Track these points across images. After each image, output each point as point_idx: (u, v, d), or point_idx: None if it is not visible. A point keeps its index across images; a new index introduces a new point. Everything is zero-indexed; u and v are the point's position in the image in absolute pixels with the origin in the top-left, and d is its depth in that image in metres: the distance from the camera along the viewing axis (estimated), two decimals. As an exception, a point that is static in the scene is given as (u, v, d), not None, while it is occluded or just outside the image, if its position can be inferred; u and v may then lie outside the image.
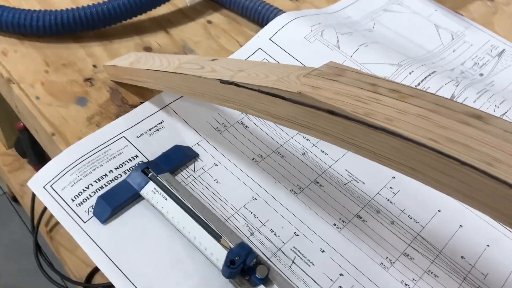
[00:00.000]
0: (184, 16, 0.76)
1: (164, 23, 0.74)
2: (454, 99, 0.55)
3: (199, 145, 0.59)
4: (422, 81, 0.68)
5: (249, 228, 0.52)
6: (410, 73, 0.69)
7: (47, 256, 0.96)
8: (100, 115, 0.60)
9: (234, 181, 0.56)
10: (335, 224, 0.54)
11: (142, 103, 0.61)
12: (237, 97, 0.44)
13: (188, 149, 0.58)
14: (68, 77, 0.63)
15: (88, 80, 0.64)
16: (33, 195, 1.04)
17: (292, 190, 0.56)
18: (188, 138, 0.59)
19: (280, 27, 0.73)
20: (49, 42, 0.67)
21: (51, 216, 1.08)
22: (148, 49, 0.70)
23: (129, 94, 0.63)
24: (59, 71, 0.64)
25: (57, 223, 1.08)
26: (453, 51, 0.80)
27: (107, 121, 0.59)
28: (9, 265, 1.33)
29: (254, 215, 0.53)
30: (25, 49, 0.66)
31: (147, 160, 0.56)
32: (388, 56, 0.71)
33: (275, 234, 0.52)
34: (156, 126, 0.60)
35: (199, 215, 0.50)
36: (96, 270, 0.99)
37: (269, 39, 0.72)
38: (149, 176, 0.52)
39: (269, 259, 0.50)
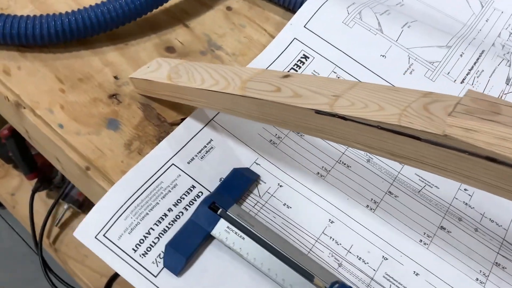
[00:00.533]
0: (200, 3, 0.67)
1: (181, 15, 0.65)
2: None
3: (257, 163, 0.52)
4: (474, 63, 0.63)
5: (335, 258, 0.47)
6: (461, 55, 0.64)
7: (57, 274, 0.88)
8: (138, 139, 0.52)
9: (306, 204, 0.50)
10: (421, 241, 0.50)
11: (182, 119, 0.54)
12: (338, 130, 0.38)
13: (248, 171, 0.51)
14: (89, 95, 0.54)
15: (113, 96, 0.54)
16: (31, 207, 0.94)
17: (368, 205, 0.51)
18: (244, 157, 0.53)
19: (314, 11, 0.65)
20: (56, 52, 0.57)
21: (52, 226, 0.99)
22: (170, 49, 0.61)
23: (164, 109, 0.55)
24: (77, 89, 0.54)
25: (60, 233, 0.99)
26: (486, 21, 0.75)
27: (149, 147, 0.51)
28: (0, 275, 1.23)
29: (336, 242, 0.48)
30: (30, 63, 0.55)
31: (206, 190, 0.49)
32: (433, 36, 0.65)
33: (363, 261, 0.48)
34: (205, 146, 0.52)
35: (284, 253, 0.45)
36: (113, 279, 0.93)
37: (304, 26, 0.64)
38: (218, 213, 0.46)
39: (365, 292, 0.46)
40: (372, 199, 0.52)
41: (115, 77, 0.56)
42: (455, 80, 0.62)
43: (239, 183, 0.50)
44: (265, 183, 0.51)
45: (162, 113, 0.54)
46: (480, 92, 0.33)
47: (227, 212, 0.46)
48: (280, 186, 0.51)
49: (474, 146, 0.30)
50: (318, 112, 0.38)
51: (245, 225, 0.46)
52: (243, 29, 0.65)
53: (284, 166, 0.53)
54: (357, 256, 0.48)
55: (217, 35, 0.64)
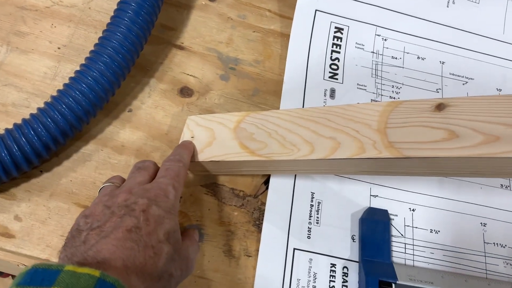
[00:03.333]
0: (175, 8, 0.49)
1: (166, 35, 0.47)
2: None
3: (373, 196, 0.42)
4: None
5: (510, 264, 0.41)
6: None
7: None
8: (235, 238, 0.39)
9: (452, 220, 0.42)
10: None
11: (266, 184, 0.41)
12: None
13: (377, 212, 0.41)
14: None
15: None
16: None
17: None
18: (357, 196, 0.42)
19: (322, -33, 0.50)
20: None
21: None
22: (185, 91, 0.45)
23: (233, 179, 0.41)
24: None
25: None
26: None
27: (253, 240, 0.39)
28: None
29: (501, 245, 0.42)
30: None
31: (348, 261, 0.39)
32: None
33: (537, 252, 0.42)
34: (312, 205, 0.41)
35: (476, 295, 0.38)
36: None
37: (320, -9, 0.50)
38: (393, 290, 0.37)
39: None
40: None
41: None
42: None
43: (378, 232, 0.40)
44: (396, 215, 0.42)
45: (236, 186, 0.41)
46: None
47: (399, 283, 0.37)
48: (413, 210, 0.42)
49: None
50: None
51: (425, 286, 0.37)
52: (245, 22, 0.49)
53: (405, 184, 0.43)
54: (529, 250, 0.42)
55: (223, 43, 0.48)
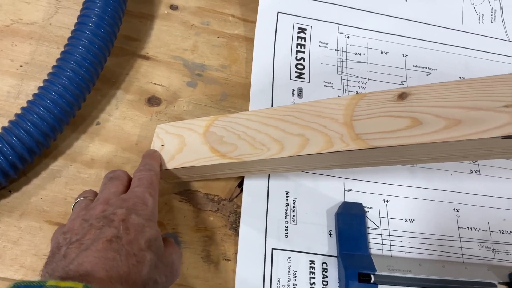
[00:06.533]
0: (138, 19, 0.49)
1: (130, 46, 0.47)
2: None
3: (347, 190, 0.43)
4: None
5: (485, 247, 0.42)
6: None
7: None
8: (212, 244, 0.39)
9: (427, 206, 0.43)
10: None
11: (240, 186, 0.41)
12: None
13: (353, 206, 0.42)
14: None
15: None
16: None
17: (472, 170, 0.46)
18: (332, 191, 0.43)
19: (281, -31, 0.51)
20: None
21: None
22: (153, 100, 0.44)
23: (207, 184, 0.41)
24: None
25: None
26: None
27: (231, 243, 0.39)
28: None
29: (475, 229, 0.43)
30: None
31: (327, 256, 0.39)
32: None
33: (509, 232, 0.43)
34: (287, 204, 0.41)
35: (453, 279, 0.38)
36: None
37: (280, -7, 0.51)
38: (372, 281, 0.37)
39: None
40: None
41: (121, 177, 0.40)
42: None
43: (354, 225, 0.40)
44: (371, 208, 0.42)
45: (210, 191, 0.41)
46: None
47: (378, 273, 0.37)
48: (387, 201, 0.43)
49: None
50: (507, 137, 0.29)
51: (404, 275, 0.38)
52: (208, 28, 0.50)
53: (378, 176, 0.44)
54: (500, 230, 0.43)
55: (188, 50, 0.48)
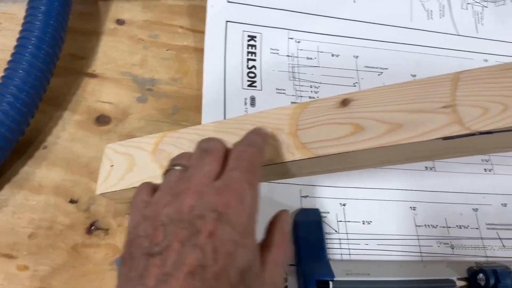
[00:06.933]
0: (83, 35, 0.48)
1: (76, 65, 0.46)
2: None
3: (304, 197, 0.43)
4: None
5: (444, 243, 0.43)
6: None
7: None
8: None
9: (383, 207, 0.43)
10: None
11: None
12: (471, 146, 0.30)
13: (310, 213, 0.42)
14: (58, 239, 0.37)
15: (91, 227, 0.38)
16: None
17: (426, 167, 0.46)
18: (287, 199, 0.42)
19: (226, -23, 0.51)
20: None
21: None
22: (102, 119, 0.44)
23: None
24: (38, 251, 0.37)
25: None
26: None
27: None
28: None
29: (433, 226, 0.43)
30: None
31: (295, 266, 0.39)
32: None
33: (465, 227, 0.44)
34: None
35: (412, 279, 0.39)
36: None
37: (228, 1, 0.50)
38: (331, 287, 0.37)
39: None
40: (425, 158, 0.46)
41: (72, 201, 0.39)
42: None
43: (311, 232, 0.40)
44: (328, 212, 0.42)
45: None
46: None
47: (336, 280, 0.37)
48: (344, 205, 0.43)
49: None
50: (448, 138, 0.29)
51: (362, 279, 0.38)
52: (157, 41, 0.49)
53: (335, 180, 0.44)
54: (458, 226, 0.44)
55: (137, 65, 0.47)
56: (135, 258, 0.24)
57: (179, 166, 0.29)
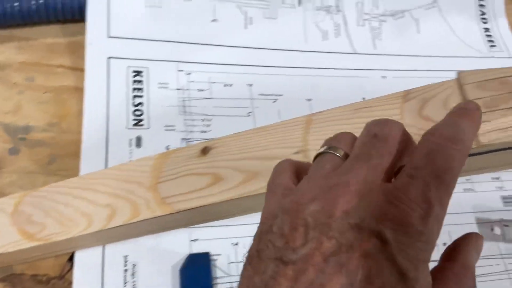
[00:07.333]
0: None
1: None
2: None
3: (194, 241, 0.41)
4: (298, -23, 0.56)
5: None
6: (282, -25, 0.56)
7: None
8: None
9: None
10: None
11: (70, 260, 0.38)
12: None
13: (197, 258, 0.40)
14: None
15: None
16: None
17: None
18: (176, 245, 0.40)
19: (106, 12, 0.49)
20: None
21: None
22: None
23: (33, 264, 0.37)
24: None
25: None
26: None
27: (63, 328, 0.35)
28: None
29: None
30: None
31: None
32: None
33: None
34: (126, 270, 0.38)
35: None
36: None
37: (108, 37, 0.48)
38: None
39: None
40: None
41: None
42: (293, 6, 0.55)
43: (199, 279, 0.38)
44: (220, 255, 0.40)
45: (38, 271, 0.37)
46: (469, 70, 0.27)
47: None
48: (236, 244, 0.41)
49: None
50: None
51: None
52: (33, 84, 0.46)
53: (226, 219, 0.42)
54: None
55: (10, 113, 0.44)
56: (263, 259, 0.19)
57: (336, 150, 0.22)
